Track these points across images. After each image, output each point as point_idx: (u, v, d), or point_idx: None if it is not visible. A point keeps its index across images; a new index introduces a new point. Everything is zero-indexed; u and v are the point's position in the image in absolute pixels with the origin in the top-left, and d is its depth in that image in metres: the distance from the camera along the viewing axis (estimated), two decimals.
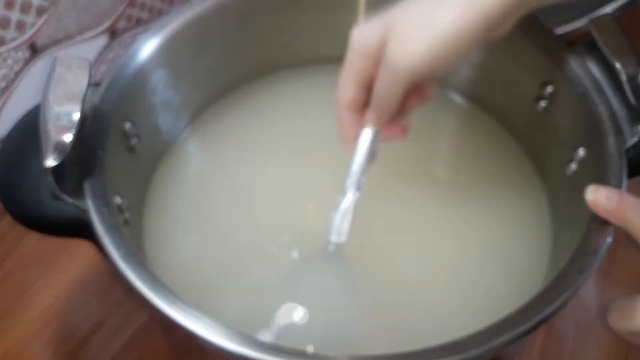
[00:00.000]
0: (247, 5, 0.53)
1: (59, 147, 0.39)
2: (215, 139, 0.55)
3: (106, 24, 0.64)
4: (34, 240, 0.60)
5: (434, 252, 0.49)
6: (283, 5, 0.54)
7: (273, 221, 0.51)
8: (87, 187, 0.41)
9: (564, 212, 0.49)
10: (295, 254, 0.49)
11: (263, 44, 0.56)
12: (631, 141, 0.44)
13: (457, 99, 0.57)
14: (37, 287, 0.58)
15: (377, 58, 0.41)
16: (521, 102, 0.52)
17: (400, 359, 0.37)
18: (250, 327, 0.46)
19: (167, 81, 0.50)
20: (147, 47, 0.48)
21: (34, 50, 0.59)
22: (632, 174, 0.43)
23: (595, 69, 0.47)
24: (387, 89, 0.41)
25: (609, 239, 0.40)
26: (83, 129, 0.42)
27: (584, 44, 0.47)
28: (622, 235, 0.39)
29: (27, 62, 0.59)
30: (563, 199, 0.49)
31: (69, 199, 0.40)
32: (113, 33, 0.65)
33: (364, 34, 0.41)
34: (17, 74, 0.59)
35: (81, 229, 0.40)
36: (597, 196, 0.40)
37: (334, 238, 0.44)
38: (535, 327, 0.37)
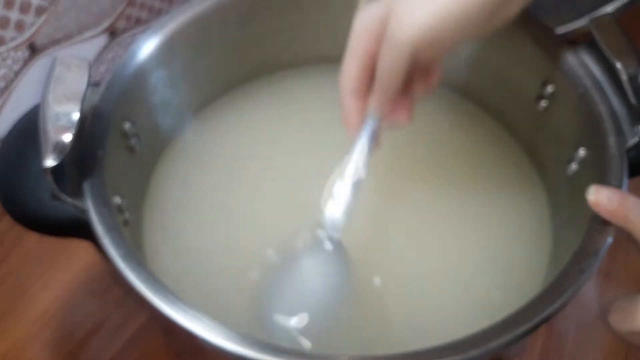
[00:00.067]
0: (246, 5, 0.53)
1: (59, 147, 0.39)
2: (215, 138, 0.55)
3: (106, 24, 0.64)
4: (34, 240, 0.60)
5: (433, 252, 0.49)
6: (283, 5, 0.54)
7: (273, 221, 0.51)
8: (86, 187, 0.41)
9: (564, 212, 0.49)
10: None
11: (263, 44, 0.56)
12: (632, 141, 0.44)
13: (457, 98, 0.57)
14: (37, 287, 0.58)
15: (380, 38, 0.40)
16: (521, 101, 0.52)
17: (400, 359, 0.37)
18: (250, 327, 0.46)
19: (166, 81, 0.50)
20: (147, 47, 0.48)
21: (34, 50, 0.59)
22: (632, 174, 0.43)
23: (595, 69, 0.47)
24: (390, 64, 0.40)
25: (610, 239, 0.40)
26: (83, 129, 0.42)
27: (584, 44, 0.47)
28: (623, 236, 0.39)
29: (26, 62, 0.59)
30: (563, 199, 0.49)
31: (69, 199, 0.40)
32: (113, 33, 0.65)
33: (366, 16, 0.41)
34: (17, 73, 0.59)
35: (81, 229, 0.40)
36: (599, 196, 0.40)
37: (330, 228, 0.43)
38: (535, 328, 0.37)
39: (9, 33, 0.56)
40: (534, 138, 0.53)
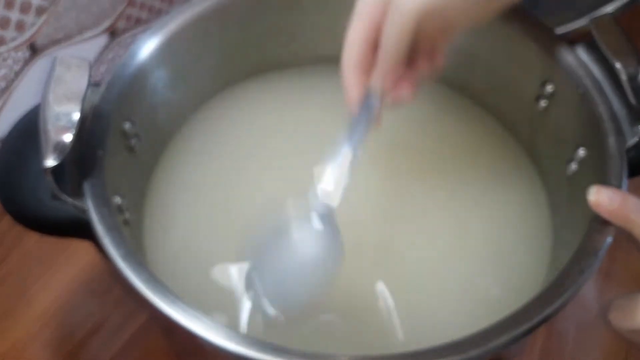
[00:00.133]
0: (246, 5, 0.53)
1: (59, 147, 0.39)
2: (214, 138, 0.55)
3: (106, 24, 0.64)
4: (34, 240, 0.60)
5: (433, 251, 0.49)
6: (283, 6, 0.54)
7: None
8: (87, 187, 0.41)
9: (564, 212, 0.49)
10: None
11: (263, 43, 0.56)
12: (631, 141, 0.44)
13: (457, 98, 0.57)
14: (37, 287, 0.58)
15: (385, 10, 0.40)
16: (521, 101, 0.52)
17: (400, 359, 0.37)
18: (250, 326, 0.46)
19: (166, 81, 0.50)
20: (147, 47, 0.48)
21: (34, 50, 0.59)
22: (632, 174, 0.43)
23: (595, 69, 0.47)
24: (394, 34, 0.40)
25: (610, 239, 0.40)
26: (83, 129, 0.42)
27: (584, 44, 0.47)
28: (623, 236, 0.39)
29: (26, 62, 0.59)
30: (563, 199, 0.49)
31: (69, 199, 0.40)
32: (113, 33, 0.65)
33: None
34: (17, 74, 0.59)
35: (81, 229, 0.40)
36: (600, 197, 0.40)
37: (322, 205, 0.42)
38: (535, 327, 0.37)
39: (9, 33, 0.56)
40: (533, 138, 0.53)
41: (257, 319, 0.46)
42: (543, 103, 0.51)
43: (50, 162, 0.38)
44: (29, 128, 0.41)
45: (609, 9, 0.53)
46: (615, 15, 0.47)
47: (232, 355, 0.35)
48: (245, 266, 0.48)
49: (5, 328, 0.56)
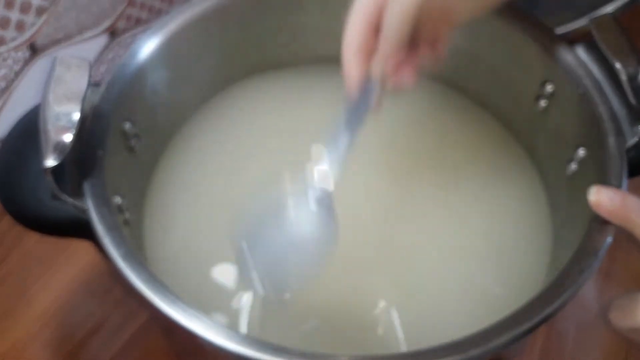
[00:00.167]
0: (246, 5, 0.53)
1: (59, 147, 0.39)
2: (214, 138, 0.55)
3: (106, 24, 0.64)
4: (34, 240, 0.60)
5: (432, 251, 0.49)
6: (283, 6, 0.54)
7: None
8: (87, 187, 0.41)
9: (564, 212, 0.49)
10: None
11: (263, 44, 0.56)
12: (631, 141, 0.44)
13: (457, 98, 0.57)
14: (37, 287, 0.58)
15: None
16: (521, 101, 0.52)
17: (400, 359, 0.37)
18: (250, 326, 0.46)
19: (166, 81, 0.50)
20: (147, 47, 0.48)
21: (34, 50, 0.59)
22: (632, 174, 0.43)
23: (595, 69, 0.47)
24: (396, 16, 0.40)
25: (610, 239, 0.40)
26: (83, 129, 0.42)
27: (584, 44, 0.47)
28: (623, 236, 0.39)
29: (26, 62, 0.59)
30: (563, 199, 0.49)
31: (69, 199, 0.40)
32: (113, 33, 0.65)
33: None
34: (17, 74, 0.59)
35: (81, 229, 0.40)
36: (600, 197, 0.40)
37: (319, 180, 0.42)
38: (535, 327, 0.37)
39: (9, 33, 0.56)
40: (533, 138, 0.53)
41: (258, 319, 0.46)
42: (543, 103, 0.51)
43: (50, 162, 0.38)
44: (29, 128, 0.41)
45: (609, 9, 0.53)
46: (615, 15, 0.47)
47: (232, 355, 0.35)
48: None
49: (5, 328, 0.56)
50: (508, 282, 0.48)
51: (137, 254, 0.39)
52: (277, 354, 0.35)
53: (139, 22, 0.67)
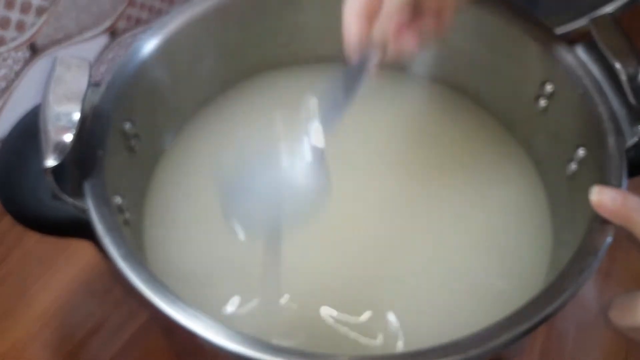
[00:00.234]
0: (246, 5, 0.53)
1: (59, 147, 0.39)
2: (214, 138, 0.55)
3: (106, 24, 0.64)
4: (34, 240, 0.60)
5: (432, 252, 0.49)
6: (283, 6, 0.54)
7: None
8: (87, 187, 0.41)
9: (564, 212, 0.49)
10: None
11: (262, 44, 0.56)
12: (631, 141, 0.44)
13: (457, 98, 0.57)
14: (37, 287, 0.58)
15: None
16: (521, 101, 0.52)
17: (400, 359, 0.37)
18: (250, 326, 0.46)
19: (166, 81, 0.50)
20: (147, 47, 0.48)
21: (34, 50, 0.59)
22: (632, 174, 0.43)
23: (595, 69, 0.47)
24: None
25: (609, 239, 0.40)
26: (83, 129, 0.42)
27: (584, 44, 0.47)
28: (623, 236, 0.39)
29: (27, 62, 0.59)
30: (563, 199, 0.49)
31: (69, 199, 0.40)
32: (113, 33, 0.65)
33: None
34: (17, 74, 0.59)
35: (81, 229, 0.40)
36: (602, 197, 0.40)
37: (312, 137, 0.42)
38: (535, 327, 0.37)
39: (9, 33, 0.56)
40: (533, 138, 0.53)
41: (257, 319, 0.46)
42: (543, 103, 0.51)
43: (51, 162, 0.38)
44: (29, 128, 0.41)
45: (609, 9, 0.53)
46: (615, 15, 0.47)
47: (232, 355, 0.35)
48: (246, 265, 0.48)
49: (5, 328, 0.56)
50: (508, 282, 0.48)
51: (137, 254, 0.39)
52: (277, 354, 0.35)
53: (139, 22, 0.67)
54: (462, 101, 0.57)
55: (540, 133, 0.52)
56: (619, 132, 0.44)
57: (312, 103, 0.43)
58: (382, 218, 0.51)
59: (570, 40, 0.48)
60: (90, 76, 0.42)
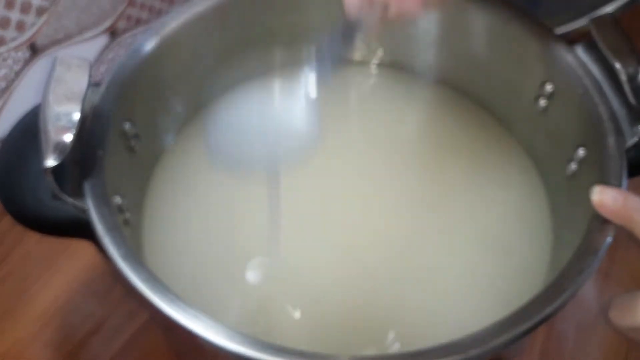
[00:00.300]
0: (246, 5, 0.53)
1: (59, 147, 0.39)
2: (214, 138, 0.55)
3: (106, 24, 0.64)
4: (34, 240, 0.60)
5: (432, 252, 0.49)
6: (283, 6, 0.54)
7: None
8: (87, 187, 0.41)
9: (564, 212, 0.49)
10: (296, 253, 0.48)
11: (262, 44, 0.56)
12: (631, 141, 0.44)
13: (457, 98, 0.57)
14: (37, 287, 0.58)
15: None
16: (521, 101, 0.52)
17: (400, 358, 0.37)
18: (250, 325, 0.46)
19: (166, 81, 0.50)
20: (147, 47, 0.48)
21: (34, 50, 0.59)
22: (632, 174, 0.43)
23: (595, 69, 0.47)
24: None
25: (609, 239, 0.40)
26: (83, 129, 0.42)
27: (584, 43, 0.47)
28: (623, 235, 0.39)
29: (27, 62, 0.60)
30: (563, 198, 0.49)
31: (69, 199, 0.40)
32: (113, 33, 0.65)
33: None
34: (17, 74, 0.59)
35: (81, 229, 0.40)
36: (604, 197, 0.40)
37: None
38: (535, 327, 0.37)
39: (9, 33, 0.56)
40: (533, 138, 0.53)
41: (257, 319, 0.46)
42: (543, 103, 0.51)
43: (51, 162, 0.38)
44: (29, 128, 0.41)
45: (609, 9, 0.53)
46: (615, 15, 0.47)
47: (232, 355, 0.35)
48: (244, 266, 0.48)
49: (5, 328, 0.56)
50: (508, 282, 0.48)
51: (137, 254, 0.39)
52: (277, 354, 0.35)
53: (139, 22, 0.67)
54: (462, 101, 0.57)
55: (540, 133, 0.52)
56: (619, 132, 0.44)
57: (310, 51, 0.42)
58: (381, 218, 0.51)
59: (570, 40, 0.48)
60: (90, 76, 0.42)
